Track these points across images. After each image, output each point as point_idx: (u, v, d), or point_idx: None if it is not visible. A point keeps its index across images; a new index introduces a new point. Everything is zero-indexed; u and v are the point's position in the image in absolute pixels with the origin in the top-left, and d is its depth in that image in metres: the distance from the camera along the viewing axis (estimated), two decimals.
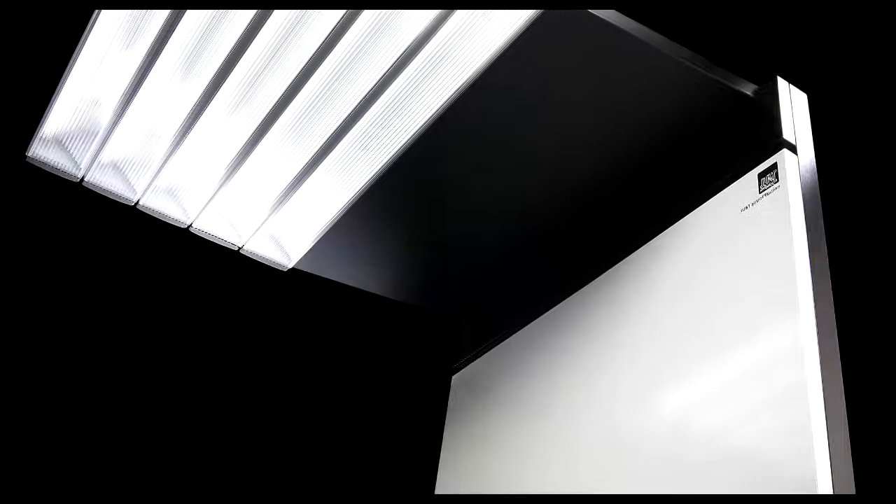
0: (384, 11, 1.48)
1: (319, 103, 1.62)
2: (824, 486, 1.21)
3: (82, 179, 1.77)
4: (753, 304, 1.41)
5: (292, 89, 1.59)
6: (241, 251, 1.88)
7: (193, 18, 1.54)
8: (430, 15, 1.47)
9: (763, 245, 1.44)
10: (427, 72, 1.54)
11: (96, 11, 1.53)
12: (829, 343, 1.33)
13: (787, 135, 1.52)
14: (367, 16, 1.49)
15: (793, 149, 1.50)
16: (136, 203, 1.81)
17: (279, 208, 1.80)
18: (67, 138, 1.72)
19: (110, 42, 1.58)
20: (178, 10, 1.51)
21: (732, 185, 1.54)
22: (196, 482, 2.27)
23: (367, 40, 1.52)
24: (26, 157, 1.72)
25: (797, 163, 1.49)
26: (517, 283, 1.93)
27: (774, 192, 1.46)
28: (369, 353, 2.40)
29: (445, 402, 2.00)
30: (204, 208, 1.81)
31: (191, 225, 1.84)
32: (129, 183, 1.79)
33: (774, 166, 1.49)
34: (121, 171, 1.78)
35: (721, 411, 1.39)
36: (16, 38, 1.92)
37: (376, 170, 1.70)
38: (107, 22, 1.56)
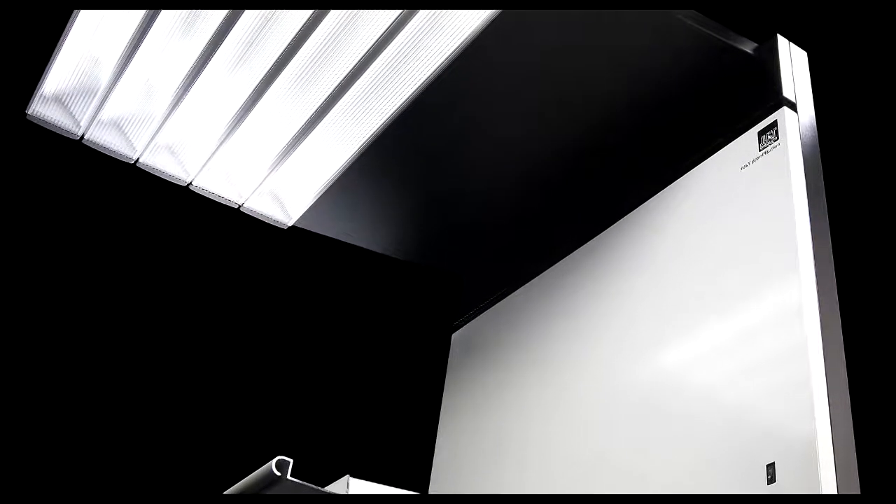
0: None
1: (320, 60, 1.61)
2: (824, 444, 1.22)
3: (82, 137, 1.76)
4: (753, 261, 1.42)
5: (293, 46, 1.58)
6: (241, 209, 1.88)
7: None
8: None
9: (763, 203, 1.44)
10: (427, 30, 1.53)
11: None
12: (828, 300, 1.33)
13: (787, 93, 1.52)
14: None
15: (793, 107, 1.50)
16: (136, 161, 1.80)
17: (279, 166, 1.80)
18: (67, 96, 1.72)
19: None
20: None
21: (732, 142, 1.55)
22: (197, 437, 2.28)
23: None
24: (26, 114, 1.72)
25: (797, 121, 1.49)
26: (517, 241, 1.94)
27: (774, 150, 1.46)
28: (369, 311, 2.41)
29: (445, 360, 2.01)
30: (204, 166, 1.81)
31: (191, 183, 1.84)
32: (129, 141, 1.79)
33: (774, 124, 1.49)
34: (121, 128, 1.78)
35: (721, 367, 1.40)
36: None
37: (376, 127, 1.70)
38: None
